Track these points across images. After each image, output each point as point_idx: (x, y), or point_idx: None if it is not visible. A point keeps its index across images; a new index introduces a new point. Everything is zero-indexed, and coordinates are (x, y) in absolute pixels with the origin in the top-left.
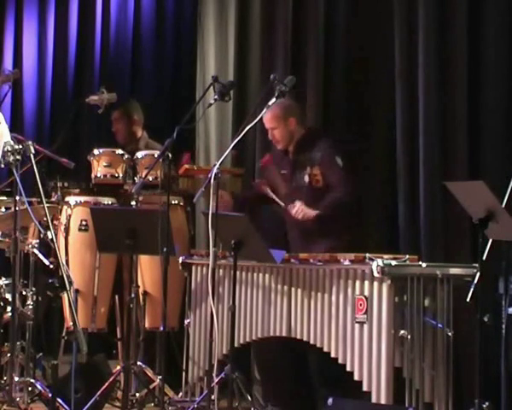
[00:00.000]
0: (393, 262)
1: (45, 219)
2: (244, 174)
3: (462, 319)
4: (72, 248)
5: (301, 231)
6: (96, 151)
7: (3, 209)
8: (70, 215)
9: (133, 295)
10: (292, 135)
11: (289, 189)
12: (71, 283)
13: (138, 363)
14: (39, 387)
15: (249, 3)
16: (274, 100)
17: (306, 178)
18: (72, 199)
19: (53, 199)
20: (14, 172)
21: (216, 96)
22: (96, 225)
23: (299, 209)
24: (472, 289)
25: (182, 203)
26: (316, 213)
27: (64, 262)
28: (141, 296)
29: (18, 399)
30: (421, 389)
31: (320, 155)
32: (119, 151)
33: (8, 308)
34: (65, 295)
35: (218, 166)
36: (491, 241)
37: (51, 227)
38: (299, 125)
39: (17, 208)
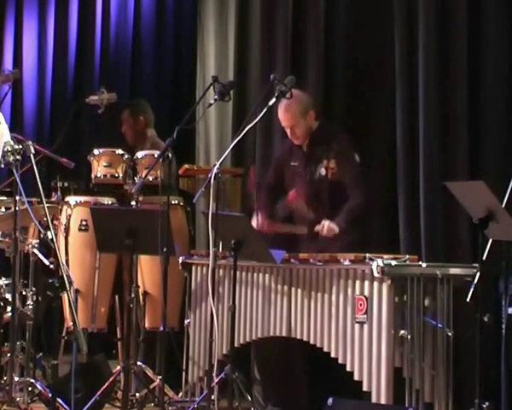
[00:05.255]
0: (393, 262)
1: (45, 219)
2: (244, 174)
3: (462, 319)
4: (72, 248)
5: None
6: (96, 151)
7: (3, 209)
8: (70, 215)
9: (133, 295)
10: (311, 129)
11: (304, 183)
12: (71, 283)
13: (138, 363)
14: (39, 387)
15: (249, 3)
16: (274, 100)
17: (323, 171)
18: (72, 199)
19: (53, 199)
20: (14, 172)
21: (216, 96)
22: (96, 225)
23: (326, 228)
24: (472, 289)
25: (182, 203)
26: (338, 228)
27: (64, 262)
28: (141, 296)
29: (18, 399)
30: (421, 389)
31: (337, 148)
32: (119, 151)
33: (8, 308)
34: (65, 295)
35: (218, 166)
36: (491, 241)
37: (51, 227)
38: (316, 118)
39: (17, 208)
